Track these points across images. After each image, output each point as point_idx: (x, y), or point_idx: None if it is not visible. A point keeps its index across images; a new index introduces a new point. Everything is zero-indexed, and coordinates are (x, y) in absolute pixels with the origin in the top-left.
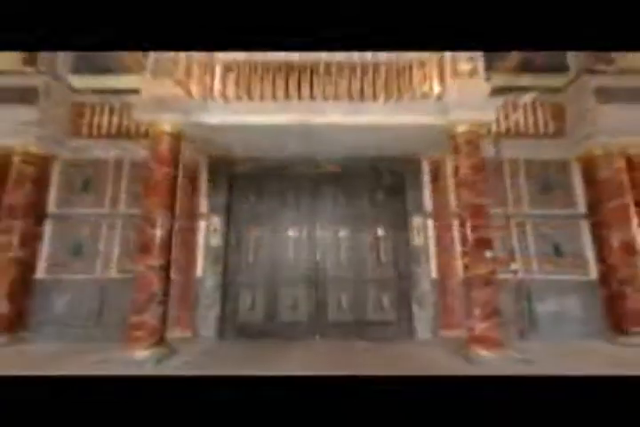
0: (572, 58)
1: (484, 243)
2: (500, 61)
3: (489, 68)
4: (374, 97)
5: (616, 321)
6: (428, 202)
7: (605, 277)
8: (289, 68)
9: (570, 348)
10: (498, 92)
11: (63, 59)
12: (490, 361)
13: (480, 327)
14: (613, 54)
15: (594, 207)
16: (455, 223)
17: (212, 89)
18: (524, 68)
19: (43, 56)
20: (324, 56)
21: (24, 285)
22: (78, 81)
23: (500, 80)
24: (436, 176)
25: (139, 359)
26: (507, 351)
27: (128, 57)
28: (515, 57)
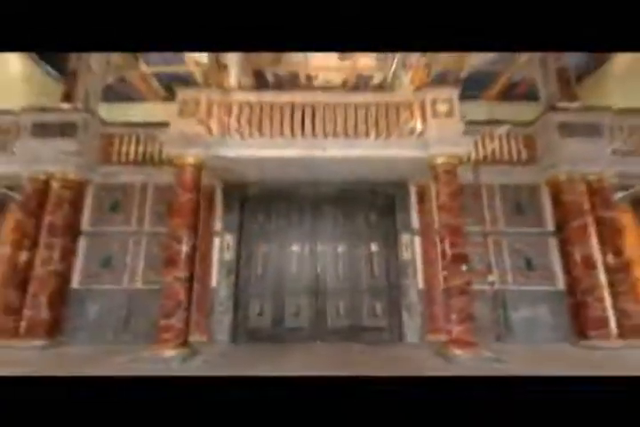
0: (543, 91)
1: (460, 258)
2: (484, 90)
3: (474, 97)
4: (367, 134)
5: (580, 327)
6: (415, 221)
7: (571, 287)
8: (293, 107)
9: (539, 350)
10: (478, 123)
11: (94, 91)
12: (465, 360)
13: (456, 331)
14: (578, 91)
15: (560, 226)
16: (438, 240)
17: (229, 127)
18: (505, 97)
19: (78, 92)
20: (323, 97)
21: (61, 294)
22: (106, 110)
23: (481, 113)
24: (422, 199)
25: (166, 358)
26: (480, 351)
27: (145, 86)
28: (497, 86)
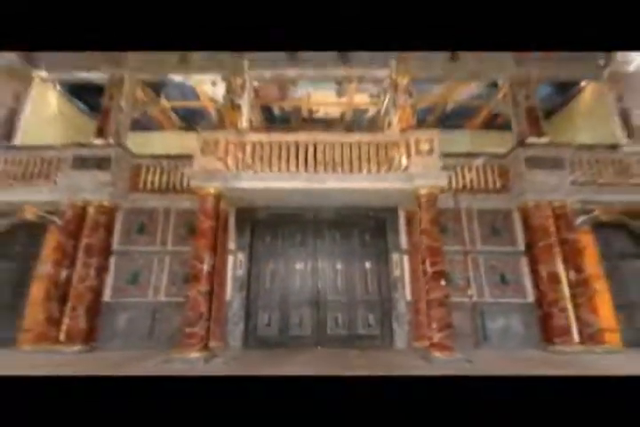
0: (515, 127)
1: (439, 275)
2: (468, 121)
3: (459, 126)
4: (360, 169)
5: (546, 334)
6: (404, 242)
7: (539, 300)
8: (298, 146)
9: (511, 355)
10: (458, 156)
11: (124, 126)
12: (442, 361)
13: (436, 337)
14: (545, 128)
15: (529, 246)
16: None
17: (243, 163)
18: (487, 126)
19: (110, 128)
20: (323, 137)
21: (95, 306)
22: (128, 138)
23: (466, 141)
24: (410, 223)
25: (192, 360)
26: (455, 354)
27: (164, 118)
28: (479, 118)
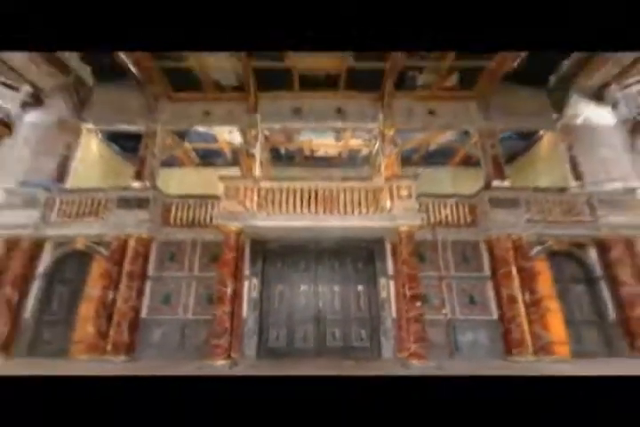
0: (483, 170)
1: (415, 297)
2: (449, 159)
3: (441, 164)
4: (353, 210)
5: (507, 346)
6: (390, 269)
7: (501, 317)
8: (302, 192)
9: (478, 363)
10: (435, 196)
11: (156, 168)
12: (418, 368)
13: (413, 348)
14: (507, 171)
15: (494, 272)
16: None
17: (258, 206)
18: (465, 164)
19: (146, 172)
20: (323, 185)
21: (135, 323)
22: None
23: (447, 176)
24: (394, 252)
25: (219, 366)
26: (428, 362)
27: (185, 157)
28: (457, 157)
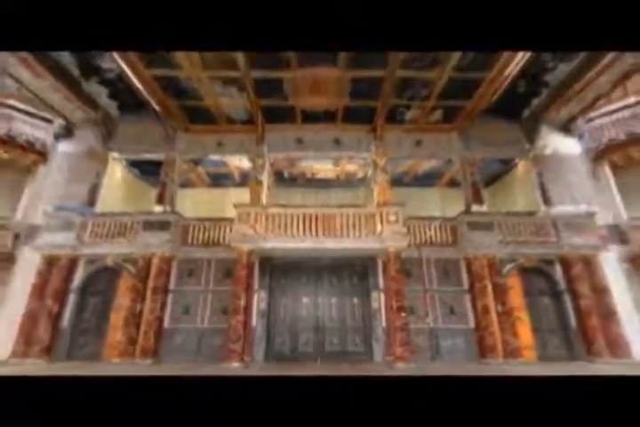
0: (464, 195)
1: (401, 309)
2: (437, 181)
3: (430, 185)
4: (348, 234)
5: (481, 351)
6: (381, 284)
7: (476, 326)
8: (305, 217)
9: (455, 365)
10: (421, 219)
11: (175, 192)
12: (402, 369)
13: (398, 352)
14: (491, 191)
15: (471, 286)
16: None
17: (267, 229)
18: (451, 185)
19: (167, 197)
20: (323, 211)
21: (159, 331)
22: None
23: (436, 196)
24: (385, 269)
25: (234, 368)
26: (410, 364)
27: (197, 179)
28: (444, 179)
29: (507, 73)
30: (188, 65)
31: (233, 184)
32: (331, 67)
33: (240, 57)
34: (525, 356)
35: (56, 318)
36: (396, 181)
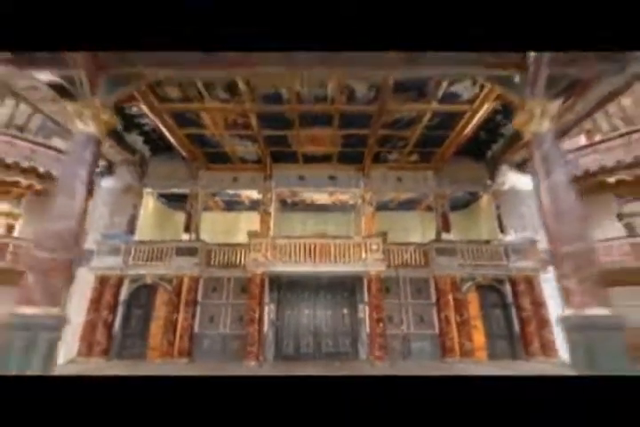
0: (435, 223)
1: (379, 319)
2: (417, 206)
3: (412, 209)
4: (341, 259)
5: (443, 352)
6: (365, 298)
7: (440, 332)
8: (305, 246)
9: (423, 364)
10: (399, 244)
11: (199, 220)
12: (380, 367)
13: (377, 353)
14: (462, 215)
15: (437, 300)
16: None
17: (275, 256)
18: (431, 209)
19: (193, 226)
20: (320, 241)
21: (191, 336)
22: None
23: (416, 219)
24: (369, 287)
25: (252, 366)
26: (385, 362)
27: (213, 204)
28: (422, 206)
29: (467, 131)
30: (212, 125)
31: (244, 208)
32: (326, 127)
33: (254, 120)
34: (478, 356)
35: (109, 326)
36: (383, 207)
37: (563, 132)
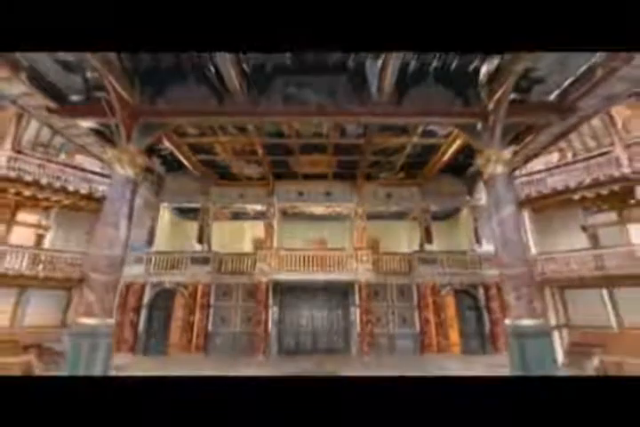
0: (419, 236)
1: (369, 321)
2: (405, 215)
3: (401, 218)
4: (335, 268)
5: (422, 348)
6: (357, 301)
7: (421, 331)
8: (305, 257)
9: (406, 358)
10: (387, 254)
11: (212, 232)
12: (366, 360)
13: (365, 349)
14: (445, 225)
15: (419, 303)
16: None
17: (278, 265)
18: (416, 218)
19: (205, 236)
20: (316, 253)
21: (206, 333)
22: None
23: (403, 229)
24: (360, 292)
25: (260, 360)
26: (372, 357)
27: (222, 215)
28: (410, 216)
29: (446, 157)
30: (223, 153)
31: (248, 218)
32: (322, 154)
33: (259, 149)
34: (452, 351)
35: (135, 326)
36: (376, 216)
37: (529, 158)
